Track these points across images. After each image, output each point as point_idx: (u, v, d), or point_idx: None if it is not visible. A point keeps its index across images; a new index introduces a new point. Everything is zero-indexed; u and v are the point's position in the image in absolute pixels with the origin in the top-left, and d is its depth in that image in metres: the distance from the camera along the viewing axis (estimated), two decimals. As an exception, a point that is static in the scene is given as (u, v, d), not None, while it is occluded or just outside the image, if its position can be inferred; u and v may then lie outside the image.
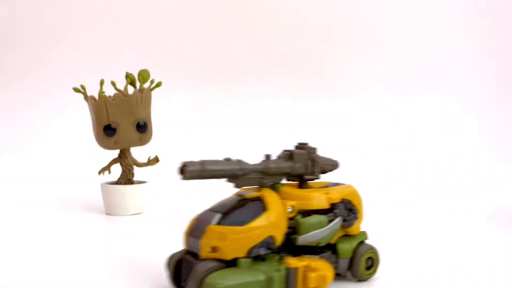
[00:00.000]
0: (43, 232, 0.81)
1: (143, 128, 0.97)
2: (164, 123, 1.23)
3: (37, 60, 1.58)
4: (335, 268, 0.54)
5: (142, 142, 0.98)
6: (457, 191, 0.86)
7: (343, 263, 0.55)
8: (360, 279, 0.55)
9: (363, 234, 0.57)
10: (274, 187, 0.54)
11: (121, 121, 0.94)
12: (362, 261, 0.55)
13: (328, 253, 0.53)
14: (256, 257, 0.48)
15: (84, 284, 0.56)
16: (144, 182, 1.02)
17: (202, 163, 0.48)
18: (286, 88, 1.56)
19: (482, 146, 1.18)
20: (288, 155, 0.55)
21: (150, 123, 0.99)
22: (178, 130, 1.47)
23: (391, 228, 0.68)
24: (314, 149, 0.57)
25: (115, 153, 1.03)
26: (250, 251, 0.47)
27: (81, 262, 0.63)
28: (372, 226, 0.69)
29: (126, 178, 0.99)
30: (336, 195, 0.53)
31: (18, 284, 0.54)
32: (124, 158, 1.01)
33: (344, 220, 0.54)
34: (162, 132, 1.15)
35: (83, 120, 1.11)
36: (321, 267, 0.50)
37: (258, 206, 0.50)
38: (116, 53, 1.56)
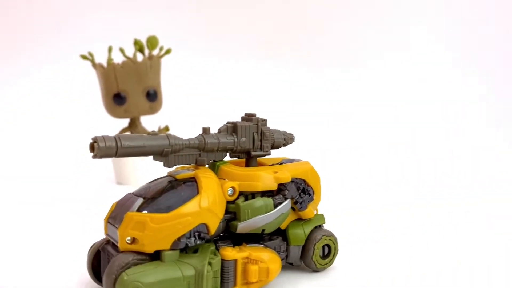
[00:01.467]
0: (51, 201, 0.79)
1: (153, 97, 0.95)
2: (174, 92, 1.19)
3: (45, 27, 1.49)
4: (286, 257, 0.47)
5: (152, 110, 0.97)
6: (457, 191, 0.81)
7: (295, 251, 0.48)
8: (314, 270, 0.48)
9: (320, 218, 0.50)
10: (214, 165, 0.46)
11: (130, 90, 0.92)
12: (317, 249, 0.48)
13: (277, 240, 0.46)
14: (185, 248, 0.41)
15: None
16: None
17: (118, 138, 0.40)
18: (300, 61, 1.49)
19: (483, 146, 1.16)
20: (231, 128, 0.47)
21: (160, 91, 0.97)
22: (188, 98, 1.41)
23: (391, 228, 0.64)
24: (263, 120, 0.49)
25: (124, 122, 1.01)
26: (175, 242, 0.40)
27: (89, 233, 0.57)
28: (371, 225, 0.64)
29: None
30: (285, 174, 0.46)
31: (28, 248, 0.55)
32: (134, 127, 0.98)
33: (295, 203, 0.47)
34: (172, 100, 1.12)
35: (91, 89, 1.07)
36: (264, 258, 0.43)
37: (190, 188, 0.42)
38: (124, 19, 1.48)
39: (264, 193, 0.46)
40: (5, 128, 1.36)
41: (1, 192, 0.86)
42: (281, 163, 0.51)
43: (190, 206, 0.40)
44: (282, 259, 0.46)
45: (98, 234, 0.60)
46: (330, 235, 0.49)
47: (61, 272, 0.49)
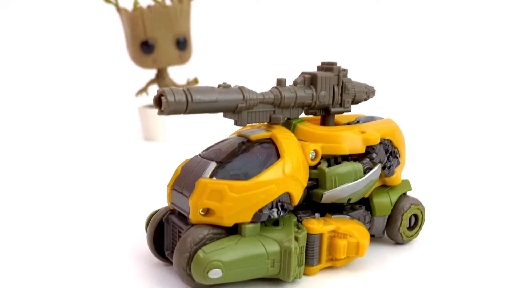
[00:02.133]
0: (77, 159, 0.77)
1: (183, 45, 0.90)
2: (204, 40, 1.12)
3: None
4: (369, 229, 0.41)
5: (182, 60, 0.92)
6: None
7: (379, 222, 0.42)
8: (399, 242, 0.43)
9: (406, 184, 0.44)
10: (289, 124, 0.40)
11: (159, 37, 0.86)
12: (405, 219, 0.42)
13: (360, 211, 0.40)
14: (266, 221, 0.35)
15: (116, 207, 0.53)
16: None
17: (188, 91, 0.33)
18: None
19: None
20: (309, 80, 0.40)
21: (190, 39, 0.91)
22: (219, 48, 1.31)
23: (482, 197, 0.55)
24: (344, 70, 0.41)
25: (151, 74, 0.96)
26: (257, 214, 0.34)
27: (131, 197, 0.57)
28: (459, 193, 0.54)
29: None
30: (374, 135, 0.39)
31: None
32: (161, 79, 0.94)
33: (383, 168, 0.41)
34: (202, 50, 1.06)
35: (115, 36, 1.01)
36: (354, 231, 0.37)
37: (269, 151, 0.36)
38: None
39: (346, 158, 0.39)
40: (31, 79, 1.30)
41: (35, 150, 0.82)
42: (357, 122, 0.44)
43: (273, 173, 0.34)
44: (365, 231, 0.40)
45: (142, 199, 0.55)
46: (418, 203, 0.43)
47: (112, 246, 0.43)
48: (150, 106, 0.96)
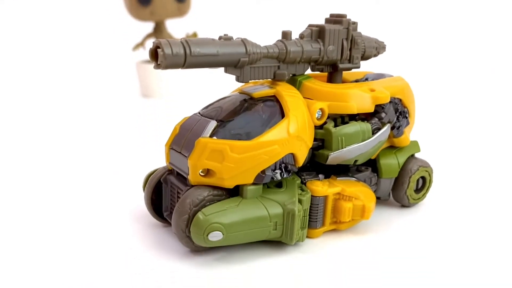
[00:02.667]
0: (73, 116, 0.75)
1: None
2: None
3: None
4: (374, 191, 0.40)
5: (180, 12, 0.89)
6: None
7: (386, 184, 0.40)
8: (405, 205, 0.41)
9: (415, 146, 0.42)
10: (295, 80, 0.37)
11: None
12: (412, 182, 0.40)
13: (366, 173, 0.38)
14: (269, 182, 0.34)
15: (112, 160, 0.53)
16: None
17: (186, 43, 0.31)
18: None
19: None
20: (316, 33, 0.37)
21: None
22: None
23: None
24: (354, 23, 0.39)
25: (148, 27, 0.94)
26: (259, 176, 0.32)
27: (128, 156, 0.55)
28: (468, 154, 0.52)
29: None
30: (384, 93, 0.37)
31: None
32: (159, 33, 0.91)
33: (392, 128, 0.39)
34: (202, 1, 1.01)
35: None
36: (360, 194, 0.36)
37: (273, 110, 0.34)
38: None
39: (353, 117, 0.37)
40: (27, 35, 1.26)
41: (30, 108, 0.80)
42: (366, 79, 0.42)
43: (277, 132, 0.32)
44: (371, 194, 0.39)
45: (140, 158, 0.54)
46: (427, 166, 0.41)
47: (110, 206, 0.42)
48: (148, 61, 0.93)
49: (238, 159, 0.31)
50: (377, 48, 0.41)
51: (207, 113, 0.34)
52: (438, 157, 0.52)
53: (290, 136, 0.32)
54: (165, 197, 0.36)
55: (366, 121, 0.37)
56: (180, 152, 0.33)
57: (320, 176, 0.36)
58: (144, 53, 0.99)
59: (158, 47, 0.30)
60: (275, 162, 0.32)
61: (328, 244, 0.35)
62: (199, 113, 0.35)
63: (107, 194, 0.44)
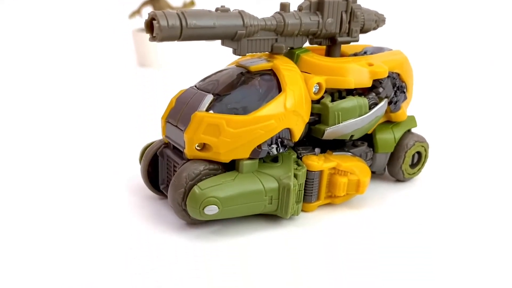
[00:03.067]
0: (68, 86, 0.74)
1: None
2: None
3: None
4: (370, 166, 0.40)
5: None
6: None
7: (382, 158, 0.40)
8: (400, 179, 0.42)
9: (411, 121, 0.42)
10: (292, 54, 0.37)
11: None
12: (408, 157, 0.40)
13: (363, 147, 0.39)
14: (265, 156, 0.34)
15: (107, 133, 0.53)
16: None
17: (182, 14, 0.30)
18: None
19: None
20: (315, 5, 0.36)
21: None
22: None
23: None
24: (354, -5, 0.38)
25: None
26: (255, 151, 0.32)
27: (107, 119, 0.56)
28: (466, 130, 0.52)
29: None
30: (382, 67, 0.36)
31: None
32: (156, 1, 0.90)
33: (389, 103, 0.39)
34: None
35: None
36: (355, 169, 0.36)
37: (269, 84, 0.33)
38: None
39: (350, 91, 0.37)
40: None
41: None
42: (364, 52, 0.41)
43: (274, 107, 0.32)
44: (367, 168, 0.39)
45: (137, 129, 0.54)
46: (423, 141, 0.41)
47: (106, 178, 0.42)
48: (144, 30, 0.91)
49: (235, 134, 0.31)
50: (377, 21, 0.40)
51: (203, 86, 0.34)
52: (435, 132, 0.52)
53: (287, 111, 0.32)
54: (161, 170, 0.36)
55: (363, 96, 0.36)
56: (176, 126, 0.33)
57: (316, 150, 0.36)
58: (141, 21, 0.97)
59: (154, 19, 0.29)
60: (272, 137, 0.32)
61: (323, 218, 0.36)
62: (195, 86, 0.35)
63: (103, 166, 0.44)
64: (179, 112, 0.33)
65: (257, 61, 0.35)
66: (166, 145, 0.36)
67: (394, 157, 0.41)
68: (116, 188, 0.40)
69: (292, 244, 0.32)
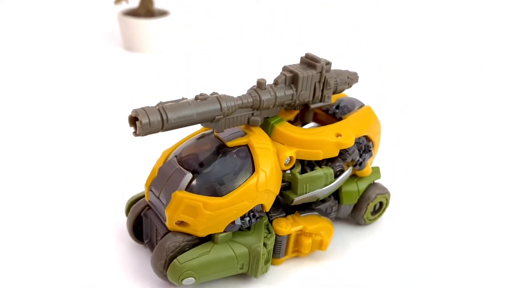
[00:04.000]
0: (52, 72, 0.75)
1: None
2: None
3: None
4: (336, 212, 0.44)
5: None
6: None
7: (346, 209, 0.45)
8: (361, 224, 0.46)
9: (375, 173, 0.45)
10: (268, 123, 0.39)
11: None
12: (369, 208, 0.45)
13: (328, 203, 0.42)
14: (238, 225, 0.37)
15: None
16: (166, 12, 0.94)
17: (163, 110, 0.32)
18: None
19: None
20: (290, 79, 0.38)
21: None
22: None
23: (450, 184, 0.54)
24: (328, 64, 0.40)
25: None
26: (230, 226, 0.36)
27: (94, 107, 0.58)
28: (427, 179, 0.53)
29: (146, 9, 0.91)
30: (349, 139, 0.39)
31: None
32: None
33: (354, 165, 0.42)
34: None
35: None
36: (320, 231, 0.40)
37: (244, 162, 0.36)
38: None
39: (318, 161, 0.40)
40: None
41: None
42: (337, 106, 0.44)
43: (247, 190, 0.35)
44: (331, 218, 0.43)
45: (123, 118, 0.55)
46: (384, 193, 0.45)
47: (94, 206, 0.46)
48: (130, 15, 0.90)
49: (211, 215, 0.35)
50: (349, 82, 0.43)
51: (183, 161, 0.37)
52: (398, 173, 0.55)
53: (259, 191, 0.36)
54: (146, 227, 0.40)
55: (330, 165, 0.40)
56: (158, 197, 0.37)
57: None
58: (127, 6, 0.95)
59: (136, 118, 0.31)
60: (246, 213, 0.36)
61: (291, 272, 0.40)
62: (176, 158, 0.37)
63: (87, 155, 0.47)
64: (161, 185, 0.36)
65: (233, 134, 0.38)
66: (149, 207, 0.39)
67: (357, 207, 0.45)
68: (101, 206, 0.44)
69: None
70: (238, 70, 0.85)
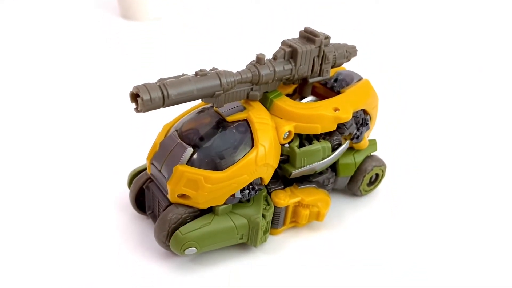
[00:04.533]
0: (48, 45, 0.74)
1: None
2: None
3: None
4: (333, 183, 0.45)
5: None
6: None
7: (343, 180, 0.46)
8: (357, 195, 0.48)
9: (372, 146, 0.46)
10: (266, 98, 0.40)
11: None
12: (366, 180, 0.46)
13: (325, 175, 0.43)
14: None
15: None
16: None
17: (164, 86, 0.33)
18: None
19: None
20: (289, 54, 0.39)
21: None
22: None
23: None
24: (327, 38, 0.40)
25: None
26: (230, 198, 0.37)
27: (92, 79, 0.59)
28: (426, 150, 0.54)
29: None
30: (347, 113, 0.40)
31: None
32: None
33: (352, 138, 0.43)
34: None
35: None
36: (317, 202, 0.41)
37: (243, 136, 0.37)
38: None
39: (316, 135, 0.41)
40: None
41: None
42: (336, 79, 0.45)
43: (247, 164, 0.36)
44: (328, 191, 0.44)
45: (122, 89, 0.54)
46: (380, 165, 0.46)
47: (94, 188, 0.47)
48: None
49: (211, 188, 0.36)
50: (348, 56, 0.43)
51: (184, 135, 0.37)
52: (395, 144, 0.56)
53: (258, 166, 0.37)
54: (148, 199, 0.41)
55: (327, 139, 0.41)
56: (160, 171, 0.37)
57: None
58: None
59: (137, 95, 0.32)
60: (245, 186, 0.37)
61: (288, 242, 0.42)
62: (177, 132, 0.38)
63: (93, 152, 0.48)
64: (163, 159, 0.37)
65: (233, 109, 0.38)
66: (152, 180, 0.40)
67: (353, 179, 0.46)
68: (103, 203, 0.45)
69: (263, 270, 0.39)
70: (239, 40, 0.85)
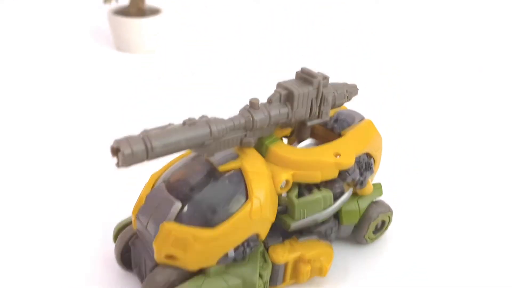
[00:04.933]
0: (42, 72, 0.73)
1: None
2: None
3: None
4: (336, 233, 0.42)
5: None
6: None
7: (347, 229, 0.42)
8: (362, 243, 0.44)
9: (377, 190, 0.43)
10: (262, 144, 0.37)
11: None
12: (371, 227, 0.42)
13: (328, 224, 0.40)
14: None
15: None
16: (158, 10, 0.91)
17: (147, 138, 0.30)
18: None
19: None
20: (285, 96, 0.36)
21: None
22: None
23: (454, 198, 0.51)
24: (325, 79, 0.37)
25: None
26: (223, 258, 0.34)
27: (85, 111, 0.57)
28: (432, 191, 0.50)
29: (137, 7, 0.88)
30: (349, 159, 0.37)
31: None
32: None
33: (355, 185, 0.40)
34: None
35: None
36: (319, 256, 0.38)
37: (237, 188, 0.34)
38: None
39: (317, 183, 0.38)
40: None
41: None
42: (336, 120, 0.42)
43: (240, 219, 0.33)
44: (331, 240, 0.41)
45: (114, 120, 0.53)
46: (387, 211, 0.43)
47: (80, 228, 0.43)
48: (121, 13, 0.87)
49: (201, 249, 0.32)
50: (348, 96, 0.40)
51: (172, 187, 0.34)
52: (401, 187, 0.52)
53: (253, 220, 0.33)
54: (134, 256, 0.37)
55: (329, 186, 0.37)
56: (145, 227, 0.34)
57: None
58: (117, 4, 0.93)
59: (118, 149, 0.29)
60: (239, 244, 0.34)
61: (288, 300, 0.38)
62: (164, 183, 0.35)
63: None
64: (149, 214, 0.34)
65: (225, 157, 0.35)
66: (137, 236, 0.37)
67: (358, 227, 0.42)
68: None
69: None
70: (233, 72, 0.83)
